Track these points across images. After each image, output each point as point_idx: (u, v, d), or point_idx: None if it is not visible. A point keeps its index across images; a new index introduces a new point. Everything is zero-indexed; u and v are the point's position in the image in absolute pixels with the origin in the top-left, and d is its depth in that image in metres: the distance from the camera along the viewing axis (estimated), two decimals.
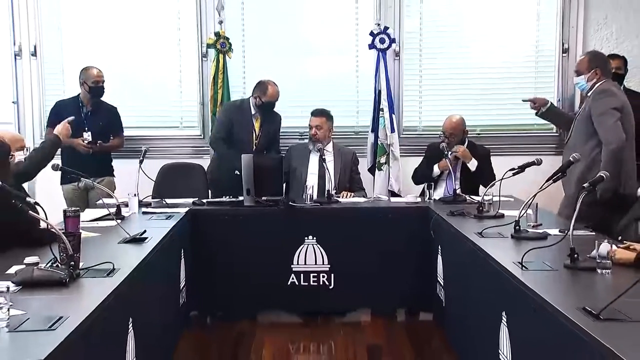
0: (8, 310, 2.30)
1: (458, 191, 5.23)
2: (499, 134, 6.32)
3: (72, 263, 2.89)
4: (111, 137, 5.77)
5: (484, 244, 3.63)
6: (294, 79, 6.22)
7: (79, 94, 5.74)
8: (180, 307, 4.55)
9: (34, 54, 6.25)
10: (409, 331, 4.85)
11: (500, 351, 3.10)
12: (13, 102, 6.27)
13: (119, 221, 4.15)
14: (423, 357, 4.40)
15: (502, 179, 4.43)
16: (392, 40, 6.13)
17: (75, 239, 2.99)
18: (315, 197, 5.21)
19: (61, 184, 5.67)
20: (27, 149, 4.45)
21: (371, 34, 6.12)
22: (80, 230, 3.21)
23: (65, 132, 4.82)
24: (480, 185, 5.35)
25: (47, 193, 5.54)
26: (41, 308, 2.49)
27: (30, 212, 3.00)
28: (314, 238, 4.99)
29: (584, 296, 2.68)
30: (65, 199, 5.63)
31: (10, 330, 2.24)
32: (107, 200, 4.57)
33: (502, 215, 4.31)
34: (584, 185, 3.27)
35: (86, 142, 5.57)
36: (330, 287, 5.01)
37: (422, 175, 5.64)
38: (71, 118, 4.93)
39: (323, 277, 5.00)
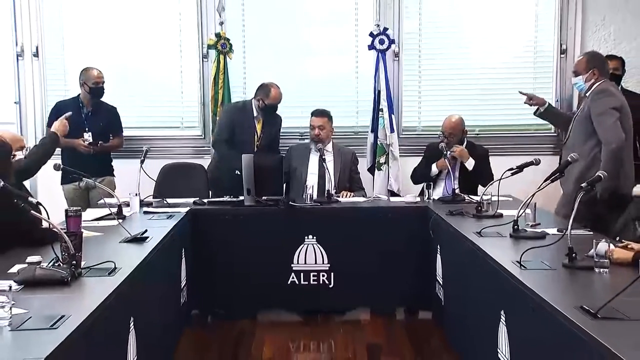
0: (10, 309, 2.31)
1: (457, 191, 5.24)
2: (498, 134, 6.34)
3: (74, 262, 2.90)
4: (111, 137, 5.78)
5: (482, 243, 3.64)
6: (294, 79, 6.23)
7: (79, 95, 5.76)
8: (181, 306, 4.56)
9: (36, 54, 6.27)
10: (408, 330, 4.86)
11: (499, 350, 3.11)
12: (15, 102, 6.28)
13: (120, 221, 4.16)
14: (422, 356, 4.41)
15: (501, 178, 4.43)
16: (392, 41, 6.15)
17: (76, 239, 3.01)
18: (315, 196, 5.22)
19: (61, 184, 5.68)
20: (27, 149, 4.50)
21: (371, 34, 6.14)
22: (82, 230, 3.21)
23: (63, 128, 4.89)
24: (479, 185, 5.37)
25: (49, 193, 5.57)
26: (43, 307, 2.50)
27: (32, 211, 3.01)
28: (314, 237, 5.01)
29: (582, 295, 2.68)
30: (66, 198, 5.64)
31: (12, 329, 2.25)
32: (108, 200, 4.59)
33: (501, 215, 4.32)
34: (582, 185, 3.28)
35: (87, 142, 5.59)
36: (330, 286, 5.03)
37: (420, 175, 5.67)
38: (68, 114, 4.98)
39: (323, 276, 5.02)
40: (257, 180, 4.92)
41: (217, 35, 6.19)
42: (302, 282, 5.02)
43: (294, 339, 4.73)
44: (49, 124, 5.68)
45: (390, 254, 4.99)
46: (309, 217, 5.04)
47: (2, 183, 3.01)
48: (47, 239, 3.22)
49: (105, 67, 5.89)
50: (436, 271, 4.66)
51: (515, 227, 3.76)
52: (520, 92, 5.34)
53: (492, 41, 6.37)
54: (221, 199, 5.26)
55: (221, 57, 6.17)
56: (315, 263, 5.01)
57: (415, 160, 5.82)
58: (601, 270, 2.93)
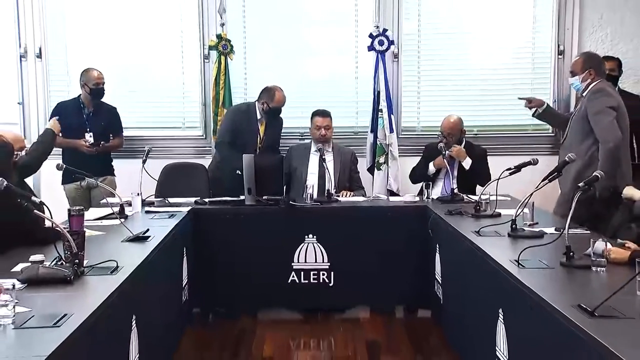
0: (14, 307, 2.33)
1: (455, 190, 5.26)
2: (496, 134, 6.37)
3: (77, 261, 2.92)
4: (111, 137, 5.81)
5: (481, 242, 3.66)
6: (294, 80, 6.25)
7: (79, 96, 5.78)
8: (182, 305, 4.58)
9: (39, 55, 6.28)
10: (407, 328, 4.89)
11: (497, 348, 3.13)
12: (19, 103, 6.30)
13: (122, 220, 4.17)
14: (421, 354, 4.42)
15: (499, 178, 4.45)
16: (391, 42, 6.17)
17: (79, 238, 3.03)
18: (315, 196, 5.25)
19: (62, 184, 5.69)
20: (27, 150, 4.54)
21: (370, 36, 6.17)
22: (85, 229, 3.23)
23: (57, 128, 5.15)
24: (477, 185, 5.40)
25: (51, 193, 5.61)
26: (46, 305, 2.52)
27: (35, 211, 3.03)
28: (314, 236, 5.03)
29: (579, 293, 2.71)
30: (68, 198, 5.66)
31: (15, 327, 2.28)
32: (110, 200, 4.61)
33: (499, 214, 4.34)
34: (579, 184, 3.30)
35: (88, 143, 5.61)
36: (330, 285, 5.05)
37: (419, 174, 5.70)
38: (55, 117, 5.22)
39: (323, 274, 5.05)
40: (257, 180, 4.94)
41: (218, 36, 6.21)
42: (302, 280, 5.04)
43: (295, 337, 4.76)
44: None
45: (390, 253, 5.01)
46: (309, 217, 5.06)
47: (6, 183, 3.04)
48: (50, 238, 3.23)
49: (108, 67, 5.93)
50: (435, 270, 4.68)
51: (514, 226, 3.78)
52: (519, 98, 5.38)
53: (490, 42, 6.39)
54: (222, 198, 5.27)
55: (222, 58, 6.19)
56: (316, 262, 5.04)
57: (415, 160, 5.85)
58: (598, 269, 2.95)
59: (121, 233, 3.89)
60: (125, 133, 6.01)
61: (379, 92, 6.15)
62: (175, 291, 4.42)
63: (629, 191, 3.77)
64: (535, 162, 4.52)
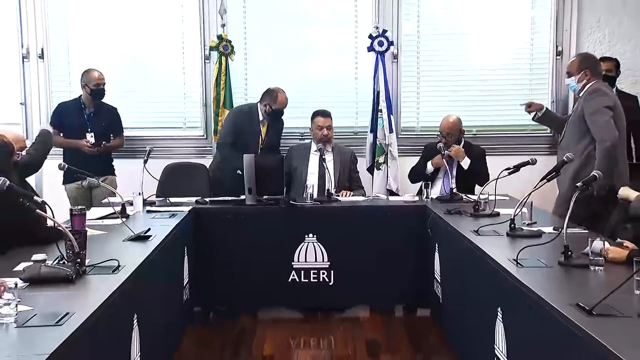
0: (16, 306, 2.34)
1: (454, 190, 5.28)
2: (495, 134, 6.40)
3: (79, 260, 2.93)
4: (112, 137, 5.83)
5: (480, 241, 3.67)
6: (294, 80, 6.27)
7: (80, 96, 5.80)
8: (183, 304, 4.60)
9: (41, 56, 6.31)
10: (406, 327, 4.91)
11: (495, 346, 3.14)
12: (21, 103, 6.32)
13: (123, 219, 4.19)
14: (420, 352, 4.44)
15: (498, 178, 4.47)
16: (391, 43, 6.20)
17: (81, 237, 3.05)
18: (315, 196, 5.27)
19: (64, 184, 5.71)
20: (27, 150, 4.57)
21: (370, 36, 6.20)
22: (86, 228, 3.24)
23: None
24: (476, 185, 5.43)
25: (53, 193, 5.63)
26: (48, 304, 2.53)
27: (37, 210, 3.04)
28: (314, 236, 5.05)
29: (577, 292, 2.72)
30: (69, 197, 5.68)
31: (18, 326, 2.29)
32: (111, 199, 4.62)
33: (498, 214, 4.36)
34: (577, 184, 3.31)
35: (89, 143, 5.64)
36: (330, 284, 5.07)
37: (418, 174, 5.72)
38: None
39: (323, 274, 5.06)
40: (258, 180, 4.96)
41: (219, 37, 6.24)
42: (302, 279, 5.06)
43: (295, 335, 4.77)
44: (52, 124, 5.78)
45: (389, 252, 5.03)
46: (309, 216, 5.08)
47: (8, 183, 3.06)
48: (52, 238, 3.25)
49: (109, 68, 5.96)
50: (434, 269, 4.70)
51: (512, 225, 3.80)
52: (521, 105, 5.41)
53: (489, 43, 6.42)
54: (223, 197, 5.29)
55: (223, 58, 6.21)
56: (316, 261, 5.06)
57: (414, 160, 5.87)
58: (596, 268, 2.96)
59: (122, 232, 3.91)
60: (127, 133, 6.04)
61: (378, 93, 6.18)
62: (176, 290, 4.43)
63: (625, 192, 3.80)
64: (533, 162, 4.56)
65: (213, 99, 6.23)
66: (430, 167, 5.61)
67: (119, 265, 3.09)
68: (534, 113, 5.33)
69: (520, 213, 3.93)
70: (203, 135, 6.43)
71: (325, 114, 5.70)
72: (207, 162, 6.11)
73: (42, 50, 6.31)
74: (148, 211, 4.80)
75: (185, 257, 4.65)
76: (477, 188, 5.27)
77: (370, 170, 6.21)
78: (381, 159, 6.15)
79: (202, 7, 6.30)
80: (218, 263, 5.02)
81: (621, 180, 4.54)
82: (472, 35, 6.44)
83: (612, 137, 4.59)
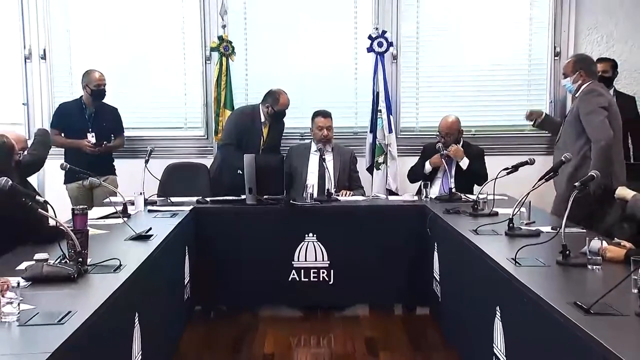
0: (18, 304, 2.35)
1: (453, 190, 5.30)
2: (493, 135, 6.42)
3: (80, 259, 2.94)
4: (112, 137, 5.85)
5: (478, 241, 3.69)
6: (294, 80, 6.28)
7: (81, 97, 5.82)
8: (184, 302, 4.62)
9: (44, 57, 6.33)
10: (405, 325, 4.93)
11: (494, 344, 3.16)
12: (23, 103, 6.34)
13: (125, 219, 4.21)
14: (419, 351, 4.46)
15: (496, 178, 4.49)
16: (390, 44, 6.23)
17: (83, 236, 3.06)
18: (315, 195, 5.28)
19: (65, 183, 5.73)
20: (28, 150, 4.59)
21: (369, 37, 6.22)
22: (88, 228, 3.25)
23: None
24: (475, 184, 5.46)
25: (55, 192, 5.63)
26: (50, 303, 2.54)
27: (39, 210, 3.05)
28: (314, 235, 5.07)
29: (575, 291, 2.74)
30: (70, 197, 5.70)
31: (20, 324, 2.30)
32: (112, 199, 4.64)
33: (496, 213, 4.38)
34: (575, 184, 3.33)
35: (90, 143, 5.66)
36: (330, 283, 5.09)
37: (416, 173, 5.74)
38: None
39: (323, 273, 5.08)
40: (258, 180, 4.97)
41: (220, 38, 6.25)
42: (302, 279, 5.08)
43: (295, 334, 4.79)
44: (53, 125, 5.80)
45: (389, 252, 5.05)
46: (309, 216, 5.10)
47: (11, 182, 3.07)
48: (54, 237, 3.26)
49: (111, 69, 5.98)
50: (433, 268, 4.72)
51: (511, 225, 3.81)
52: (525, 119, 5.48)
53: (487, 44, 6.45)
54: (223, 197, 5.31)
55: (223, 59, 6.22)
56: (316, 260, 5.07)
57: (413, 160, 5.89)
58: (594, 267, 2.98)
59: (124, 232, 3.92)
60: (128, 133, 6.07)
61: (378, 93, 6.20)
62: (178, 289, 4.45)
63: (622, 191, 3.83)
64: (532, 162, 4.58)
65: (214, 99, 6.25)
66: (428, 166, 5.63)
67: (120, 265, 3.10)
68: (534, 120, 5.37)
69: (518, 212, 3.95)
70: (204, 136, 6.45)
71: (325, 114, 5.72)
72: (207, 162, 6.13)
73: (44, 50, 6.33)
74: (149, 211, 4.82)
75: (186, 257, 4.67)
76: (476, 188, 5.30)
77: (370, 170, 6.23)
78: (381, 159, 6.17)
79: (203, 8, 6.32)
80: (219, 262, 5.04)
81: (617, 180, 4.57)
82: (470, 36, 6.46)
83: (607, 136, 4.61)
